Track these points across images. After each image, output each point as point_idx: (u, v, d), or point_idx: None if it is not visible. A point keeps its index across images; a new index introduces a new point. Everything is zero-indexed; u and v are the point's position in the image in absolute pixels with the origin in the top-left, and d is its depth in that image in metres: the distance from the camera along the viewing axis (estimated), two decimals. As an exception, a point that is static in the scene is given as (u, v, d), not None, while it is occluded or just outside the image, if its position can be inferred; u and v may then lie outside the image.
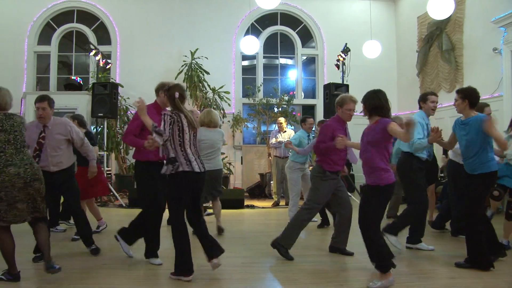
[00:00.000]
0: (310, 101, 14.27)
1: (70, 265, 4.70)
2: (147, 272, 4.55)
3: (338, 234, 5.44)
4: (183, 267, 4.19)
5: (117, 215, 8.53)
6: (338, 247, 5.36)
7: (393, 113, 13.47)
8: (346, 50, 11.06)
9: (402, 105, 13.50)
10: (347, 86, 10.70)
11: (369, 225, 4.11)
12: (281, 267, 4.83)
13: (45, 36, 13.45)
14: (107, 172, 10.65)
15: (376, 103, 4.24)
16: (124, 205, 9.64)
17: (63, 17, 13.54)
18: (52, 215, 6.40)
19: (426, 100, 5.54)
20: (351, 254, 5.29)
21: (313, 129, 8.14)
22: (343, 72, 11.10)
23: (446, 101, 10.19)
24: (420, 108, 5.62)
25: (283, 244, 5.12)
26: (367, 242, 4.15)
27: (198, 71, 12.47)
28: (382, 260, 4.06)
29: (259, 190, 11.37)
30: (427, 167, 5.61)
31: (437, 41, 11.39)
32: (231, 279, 4.40)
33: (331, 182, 5.19)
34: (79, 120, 6.57)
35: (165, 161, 4.28)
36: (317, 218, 7.18)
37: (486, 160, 4.57)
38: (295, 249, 5.17)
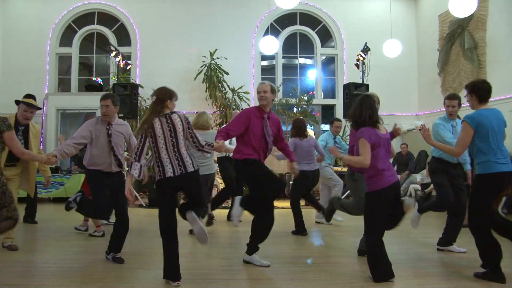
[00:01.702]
0: (329, 101, 14.18)
1: (93, 263, 4.74)
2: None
3: None
4: (171, 271, 4.13)
5: (137, 215, 8.58)
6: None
7: (414, 113, 13.47)
8: (366, 50, 10.94)
9: (423, 105, 13.35)
10: (367, 85, 10.58)
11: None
12: (301, 267, 4.80)
13: (66, 38, 13.64)
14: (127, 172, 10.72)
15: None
16: (144, 205, 9.72)
17: (84, 19, 13.72)
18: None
19: (444, 104, 5.53)
20: None
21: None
22: (363, 72, 10.99)
23: (469, 100, 10.03)
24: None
25: None
26: None
27: (217, 71, 12.50)
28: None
29: (278, 191, 11.30)
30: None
31: (459, 40, 11.21)
32: (250, 279, 4.39)
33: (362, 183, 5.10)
34: None
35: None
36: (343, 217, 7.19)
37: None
38: (317, 251, 5.13)
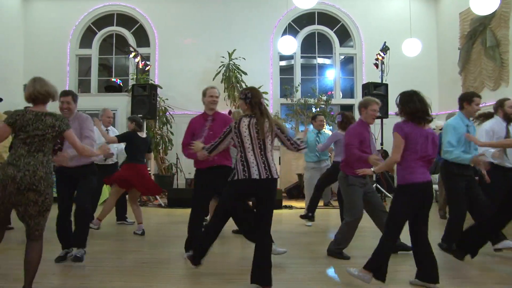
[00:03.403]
0: (348, 101, 14.09)
1: (112, 261, 4.78)
2: (187, 271, 4.56)
3: None
4: (198, 253, 4.24)
5: (156, 215, 8.64)
6: None
7: (434, 112, 13.25)
8: (385, 49, 10.86)
9: (443, 104, 13.16)
10: (386, 85, 10.50)
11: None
12: (319, 267, 4.76)
13: (86, 39, 13.81)
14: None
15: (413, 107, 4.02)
16: (163, 204, 9.77)
17: (103, 20, 13.87)
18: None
19: (471, 102, 5.22)
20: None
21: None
22: (382, 71, 10.91)
23: (490, 100, 9.84)
24: (461, 108, 5.31)
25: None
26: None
27: (235, 71, 12.52)
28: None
29: (297, 191, 11.29)
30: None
31: (481, 38, 11.03)
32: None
33: (356, 187, 5.05)
34: (136, 122, 6.71)
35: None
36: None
37: None
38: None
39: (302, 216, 7.26)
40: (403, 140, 3.92)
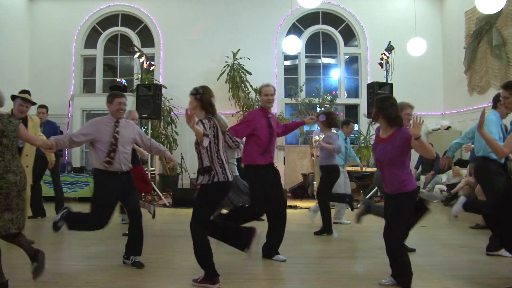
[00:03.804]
0: (353, 101, 14.06)
1: (118, 262, 4.78)
2: (192, 271, 4.55)
3: None
4: (209, 272, 4.04)
5: (161, 215, 8.64)
6: None
7: (439, 112, 13.26)
8: (390, 48, 10.81)
9: (448, 104, 13.13)
10: (391, 85, 10.45)
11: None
12: (325, 267, 4.75)
13: (91, 40, 13.85)
14: (151, 172, 10.83)
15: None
16: (168, 204, 9.78)
17: (108, 21, 13.90)
18: None
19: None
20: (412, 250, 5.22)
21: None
22: (387, 71, 10.86)
23: (496, 99, 9.81)
24: (494, 107, 5.17)
25: None
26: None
27: (240, 71, 12.52)
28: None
29: (301, 191, 11.28)
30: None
31: (487, 37, 10.98)
32: (273, 279, 4.36)
33: None
34: None
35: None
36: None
37: None
38: (341, 251, 5.07)
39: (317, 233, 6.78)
40: None
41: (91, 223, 4.65)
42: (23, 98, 5.60)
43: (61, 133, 8.75)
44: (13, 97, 5.64)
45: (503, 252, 5.09)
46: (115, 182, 4.59)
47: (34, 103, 5.80)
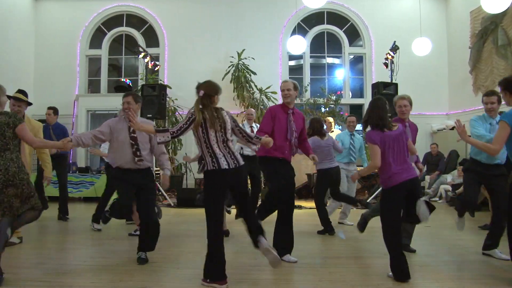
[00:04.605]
0: (358, 101, 14.04)
1: (123, 262, 4.79)
2: (197, 270, 4.56)
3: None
4: (216, 271, 4.03)
5: (166, 215, 8.65)
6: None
7: (444, 112, 13.21)
8: (394, 48, 10.78)
9: (453, 104, 13.09)
10: (396, 85, 10.42)
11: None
12: (329, 268, 4.74)
13: (96, 40, 13.89)
14: (156, 172, 10.84)
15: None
16: (172, 204, 9.80)
17: (113, 21, 13.94)
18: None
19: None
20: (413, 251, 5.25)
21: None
22: (392, 71, 10.83)
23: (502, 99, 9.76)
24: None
25: None
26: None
27: (245, 71, 12.52)
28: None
29: (306, 191, 11.27)
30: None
31: (492, 36, 10.93)
32: (278, 279, 4.35)
33: None
34: None
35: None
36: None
37: None
38: (344, 252, 5.05)
39: (320, 232, 6.87)
40: None
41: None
42: (15, 98, 5.55)
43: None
44: (9, 97, 5.63)
45: (493, 252, 5.11)
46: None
47: (29, 103, 5.73)
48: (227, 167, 4.02)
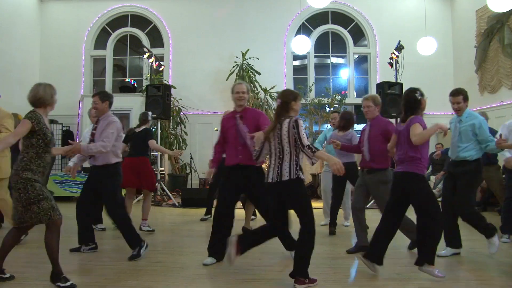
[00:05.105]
0: (362, 101, 13.98)
1: (126, 261, 4.79)
2: (202, 271, 4.56)
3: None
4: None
5: (171, 215, 8.67)
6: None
7: (449, 112, 13.07)
8: (399, 48, 10.74)
9: (460, 103, 13.00)
10: (401, 84, 10.39)
11: None
12: (334, 268, 4.72)
13: (101, 40, 13.93)
14: (161, 172, 10.86)
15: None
16: (177, 204, 9.79)
17: (117, 22, 13.98)
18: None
19: None
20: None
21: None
22: (397, 71, 10.80)
23: (508, 98, 9.73)
24: None
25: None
26: None
27: (249, 71, 12.53)
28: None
29: (311, 191, 11.23)
30: None
31: (498, 35, 10.87)
32: (282, 279, 4.34)
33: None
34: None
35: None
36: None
37: None
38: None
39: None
40: None
41: None
42: None
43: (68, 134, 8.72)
44: None
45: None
46: None
47: None
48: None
